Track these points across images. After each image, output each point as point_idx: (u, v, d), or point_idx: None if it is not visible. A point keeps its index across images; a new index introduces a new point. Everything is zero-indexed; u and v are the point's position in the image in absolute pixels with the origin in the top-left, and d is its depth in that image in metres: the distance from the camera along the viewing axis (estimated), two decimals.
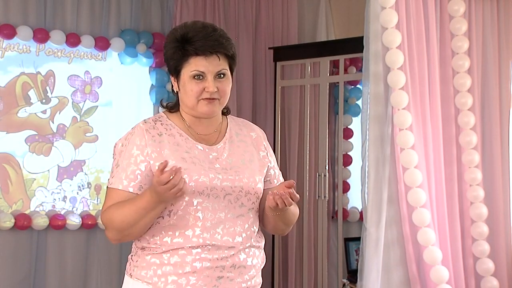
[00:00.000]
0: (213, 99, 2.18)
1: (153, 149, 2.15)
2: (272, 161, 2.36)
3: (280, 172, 2.40)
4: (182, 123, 2.24)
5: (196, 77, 2.17)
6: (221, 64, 2.19)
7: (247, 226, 2.21)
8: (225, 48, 2.19)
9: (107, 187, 2.19)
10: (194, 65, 2.16)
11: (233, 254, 2.15)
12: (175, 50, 2.19)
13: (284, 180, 2.35)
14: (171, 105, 2.28)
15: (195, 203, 2.13)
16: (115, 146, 2.24)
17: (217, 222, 2.14)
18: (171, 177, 1.98)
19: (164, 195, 2.02)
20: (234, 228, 2.17)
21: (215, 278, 2.12)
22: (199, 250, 2.12)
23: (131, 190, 2.14)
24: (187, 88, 2.18)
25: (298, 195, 2.13)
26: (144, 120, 2.25)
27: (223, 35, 2.21)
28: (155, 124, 2.21)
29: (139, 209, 2.07)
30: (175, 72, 2.20)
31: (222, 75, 2.20)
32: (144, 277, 2.15)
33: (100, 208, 5.32)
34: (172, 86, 2.27)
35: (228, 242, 2.15)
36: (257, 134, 2.38)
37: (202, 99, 2.17)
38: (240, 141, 2.30)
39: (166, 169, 1.99)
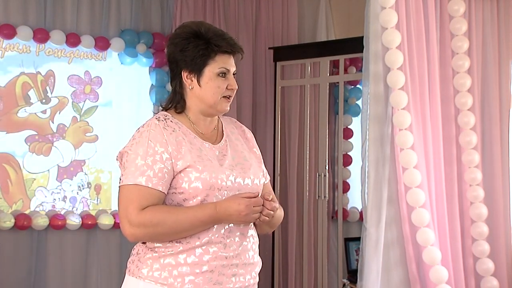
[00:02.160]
0: (230, 97, 2.25)
1: (173, 147, 2.16)
2: (261, 158, 2.40)
3: (266, 170, 2.43)
4: (188, 122, 2.25)
5: (221, 74, 2.21)
6: (235, 65, 2.27)
7: (253, 222, 2.24)
8: (242, 50, 2.27)
9: (128, 183, 2.12)
10: (222, 62, 2.21)
11: (245, 251, 2.18)
12: (201, 46, 2.20)
13: (270, 178, 2.44)
14: (179, 107, 2.26)
15: (214, 200, 2.15)
16: (122, 151, 2.20)
17: None
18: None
19: (235, 213, 2.10)
20: (245, 224, 2.19)
21: (229, 276, 2.14)
22: (215, 248, 2.13)
23: (160, 188, 2.13)
24: (213, 85, 2.21)
25: (275, 204, 2.19)
26: (156, 118, 2.24)
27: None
28: (166, 122, 2.21)
29: (196, 221, 2.11)
30: (198, 68, 2.21)
31: (234, 75, 2.27)
32: (158, 278, 2.13)
33: (100, 208, 5.36)
34: (178, 84, 2.25)
35: (242, 238, 2.18)
36: (250, 134, 2.42)
37: (224, 96, 2.23)
38: (236, 139, 2.34)
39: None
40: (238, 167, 2.23)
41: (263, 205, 2.15)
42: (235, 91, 2.26)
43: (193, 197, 2.14)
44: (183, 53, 2.23)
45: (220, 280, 2.13)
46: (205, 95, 2.22)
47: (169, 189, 2.16)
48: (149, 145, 2.15)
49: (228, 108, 2.26)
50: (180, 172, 2.14)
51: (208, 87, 2.21)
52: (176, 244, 2.14)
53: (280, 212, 2.34)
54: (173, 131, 2.19)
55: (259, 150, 2.41)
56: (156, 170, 2.12)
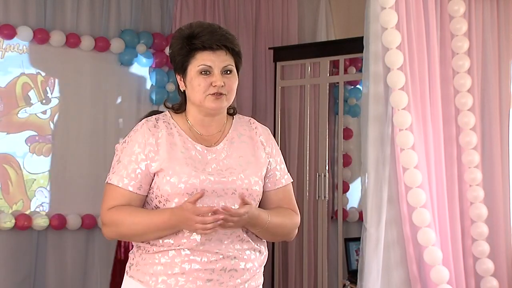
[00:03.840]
0: (221, 94, 2.17)
1: (151, 148, 2.16)
2: (274, 162, 2.30)
3: (286, 173, 2.34)
4: (185, 124, 2.24)
5: (203, 72, 2.16)
6: (228, 60, 2.20)
7: (241, 229, 2.18)
8: (231, 42, 2.20)
9: (106, 182, 2.18)
10: (201, 59, 2.16)
11: (223, 258, 2.14)
12: (181, 46, 2.18)
13: (289, 180, 2.34)
14: (177, 106, 2.27)
15: None
16: (115, 148, 2.24)
17: None
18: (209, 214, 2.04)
19: (187, 223, 2.04)
20: (226, 231, 2.14)
21: (204, 281, 2.11)
22: (188, 252, 2.12)
23: (130, 189, 2.14)
24: (194, 84, 2.17)
25: (233, 218, 2.07)
26: (147, 118, 2.25)
27: (229, 32, 2.24)
28: (157, 122, 2.21)
29: (152, 225, 2.10)
30: (182, 69, 2.20)
31: (228, 72, 2.20)
32: (138, 276, 2.16)
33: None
34: (178, 86, 2.26)
35: (218, 245, 2.13)
36: (264, 136, 2.32)
37: (210, 94, 2.16)
38: (242, 142, 2.27)
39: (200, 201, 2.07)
40: (227, 172, 2.18)
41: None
42: (227, 87, 2.18)
43: (166, 200, 2.14)
44: (172, 55, 2.24)
45: (193, 283, 2.10)
46: (191, 95, 2.20)
47: (149, 190, 2.18)
48: (129, 145, 2.17)
49: (219, 105, 2.18)
50: (156, 174, 2.15)
51: (190, 86, 2.18)
52: (152, 244, 2.15)
53: (284, 221, 2.26)
54: (159, 131, 2.18)
55: (272, 154, 2.30)
56: (129, 171, 2.14)
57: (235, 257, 2.16)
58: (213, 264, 2.12)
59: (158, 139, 2.17)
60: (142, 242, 2.17)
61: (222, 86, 2.17)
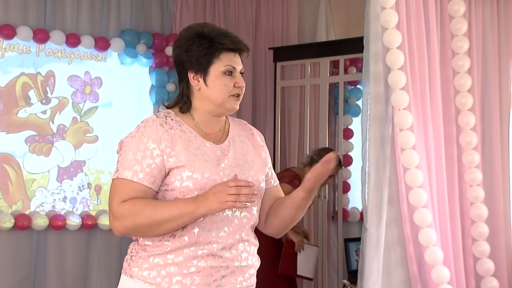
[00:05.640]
0: (239, 95, 2.23)
1: (167, 144, 2.15)
2: (269, 162, 2.38)
3: (274, 173, 2.42)
4: (191, 122, 2.24)
5: (228, 72, 2.20)
6: (241, 63, 2.26)
7: (251, 224, 2.22)
8: (247, 48, 2.27)
9: (117, 177, 2.14)
10: (227, 60, 2.20)
11: (236, 253, 2.16)
12: (205, 45, 2.19)
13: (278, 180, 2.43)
14: (182, 106, 2.26)
15: None
16: (121, 143, 2.21)
17: (223, 219, 2.15)
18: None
19: (219, 194, 2.03)
20: (240, 225, 2.17)
21: (219, 277, 2.13)
22: (205, 250, 2.12)
23: (146, 183, 2.12)
24: (220, 84, 2.19)
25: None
26: (156, 114, 2.24)
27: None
28: (166, 119, 2.21)
29: (175, 208, 2.07)
30: (203, 68, 2.20)
31: (242, 74, 2.26)
32: (147, 278, 2.13)
33: (100, 209, 5.35)
34: (186, 85, 2.23)
35: (234, 240, 2.16)
36: (260, 137, 2.40)
37: (232, 95, 2.21)
38: (242, 141, 2.31)
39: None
40: (237, 168, 2.21)
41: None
42: (244, 89, 2.24)
43: (184, 195, 2.13)
44: (188, 54, 2.21)
45: (208, 281, 2.11)
46: (213, 95, 2.20)
47: (161, 185, 2.16)
48: (142, 140, 2.15)
49: (237, 107, 2.25)
50: (172, 169, 2.14)
51: (215, 86, 2.20)
52: (165, 243, 2.13)
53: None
54: (171, 128, 2.18)
55: (267, 154, 2.39)
56: (144, 165, 2.12)
57: (245, 252, 2.19)
58: (228, 261, 2.14)
59: (172, 135, 2.17)
60: (154, 236, 2.13)
61: (243, 87, 2.24)
